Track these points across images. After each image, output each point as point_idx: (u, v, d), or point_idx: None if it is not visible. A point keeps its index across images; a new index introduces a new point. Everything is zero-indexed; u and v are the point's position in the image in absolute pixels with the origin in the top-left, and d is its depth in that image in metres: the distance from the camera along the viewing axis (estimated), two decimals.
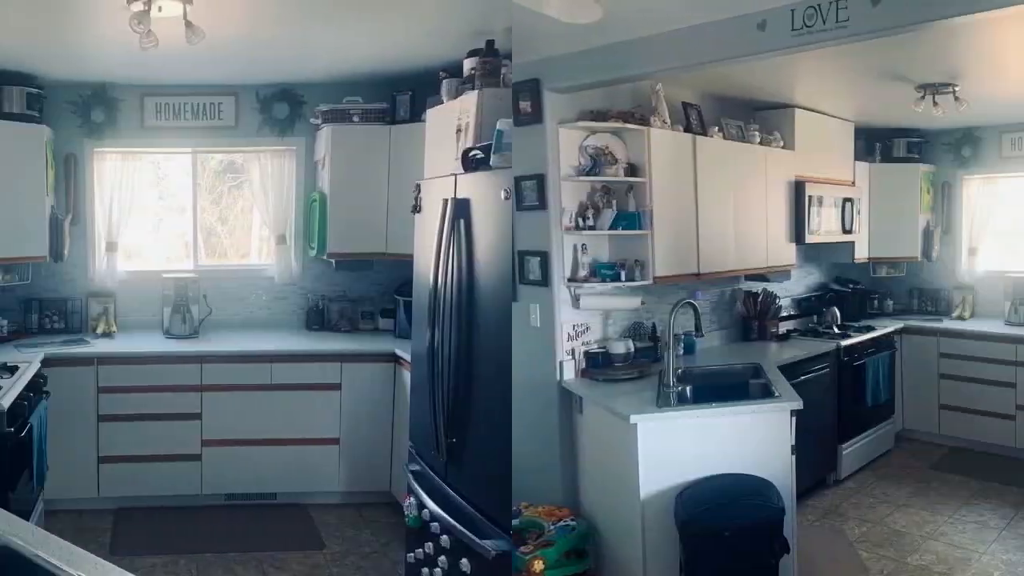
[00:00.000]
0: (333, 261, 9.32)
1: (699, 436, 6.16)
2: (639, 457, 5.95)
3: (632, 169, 7.40)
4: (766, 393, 6.93)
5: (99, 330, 9.12)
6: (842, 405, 9.33)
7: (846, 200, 10.07)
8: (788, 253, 9.36)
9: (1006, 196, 11.32)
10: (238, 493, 8.62)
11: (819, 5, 5.64)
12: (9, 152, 8.19)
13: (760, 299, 9.57)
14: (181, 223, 10.01)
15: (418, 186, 6.68)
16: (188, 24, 5.66)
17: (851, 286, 11.17)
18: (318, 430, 8.61)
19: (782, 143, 9.23)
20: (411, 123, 8.74)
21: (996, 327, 10.36)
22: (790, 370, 8.03)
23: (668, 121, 7.74)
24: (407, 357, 7.74)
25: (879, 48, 6.61)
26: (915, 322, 11.00)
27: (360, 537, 8.02)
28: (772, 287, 9.63)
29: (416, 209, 6.63)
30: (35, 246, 8.50)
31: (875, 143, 11.35)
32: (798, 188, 9.31)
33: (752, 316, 9.54)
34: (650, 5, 6.03)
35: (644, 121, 7.47)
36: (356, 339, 9.26)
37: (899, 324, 10.86)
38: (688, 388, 7.14)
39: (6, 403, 6.18)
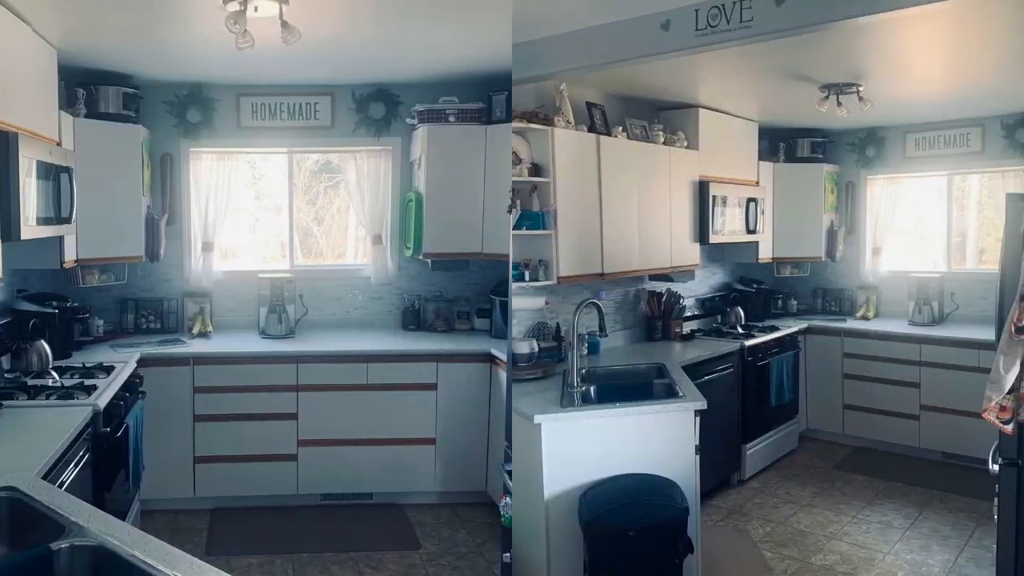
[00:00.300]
0: (429, 261, 9.26)
1: (603, 436, 6.12)
2: (543, 457, 5.91)
3: (536, 169, 7.35)
4: (670, 393, 6.93)
5: (195, 330, 9.15)
6: (746, 405, 9.35)
7: (750, 200, 10.09)
8: (692, 253, 9.36)
9: (910, 196, 11.40)
10: (334, 493, 8.61)
11: (723, 5, 5.63)
12: (106, 152, 8.11)
13: (664, 299, 9.55)
14: (277, 223, 10.02)
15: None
16: (284, 24, 5.68)
17: (755, 286, 11.20)
18: (414, 430, 8.57)
19: (686, 143, 9.23)
20: (507, 123, 8.52)
21: (900, 327, 10.42)
22: (694, 370, 8.03)
23: (572, 121, 7.71)
24: (503, 357, 7.91)
25: (783, 48, 6.62)
26: (819, 322, 11.05)
27: (456, 537, 7.97)
28: (676, 287, 9.62)
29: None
30: (131, 246, 8.48)
31: (779, 143, 11.38)
32: (702, 188, 9.32)
33: (656, 316, 9.52)
34: (554, 5, 5.99)
35: (548, 121, 7.43)
36: (452, 339, 9.21)
37: (803, 324, 10.90)
38: (592, 388, 7.13)
39: (102, 403, 6.13)
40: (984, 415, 3.96)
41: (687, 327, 9.89)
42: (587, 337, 8.24)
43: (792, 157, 11.44)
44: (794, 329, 10.59)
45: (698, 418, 6.32)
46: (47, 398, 6.17)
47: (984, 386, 3.94)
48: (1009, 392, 3.87)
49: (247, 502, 8.38)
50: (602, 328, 7.32)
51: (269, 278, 9.28)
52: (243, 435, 8.31)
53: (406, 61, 8.23)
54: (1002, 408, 3.93)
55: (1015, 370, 3.83)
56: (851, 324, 10.86)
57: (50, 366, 7.05)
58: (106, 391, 6.42)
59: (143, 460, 7.30)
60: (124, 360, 7.64)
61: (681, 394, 6.69)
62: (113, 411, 6.41)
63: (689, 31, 5.88)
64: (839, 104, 8.43)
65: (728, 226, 9.67)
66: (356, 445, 8.43)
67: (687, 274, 9.47)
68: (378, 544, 7.72)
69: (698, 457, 6.32)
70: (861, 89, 8.31)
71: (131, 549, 3.37)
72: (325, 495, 8.56)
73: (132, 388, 7.25)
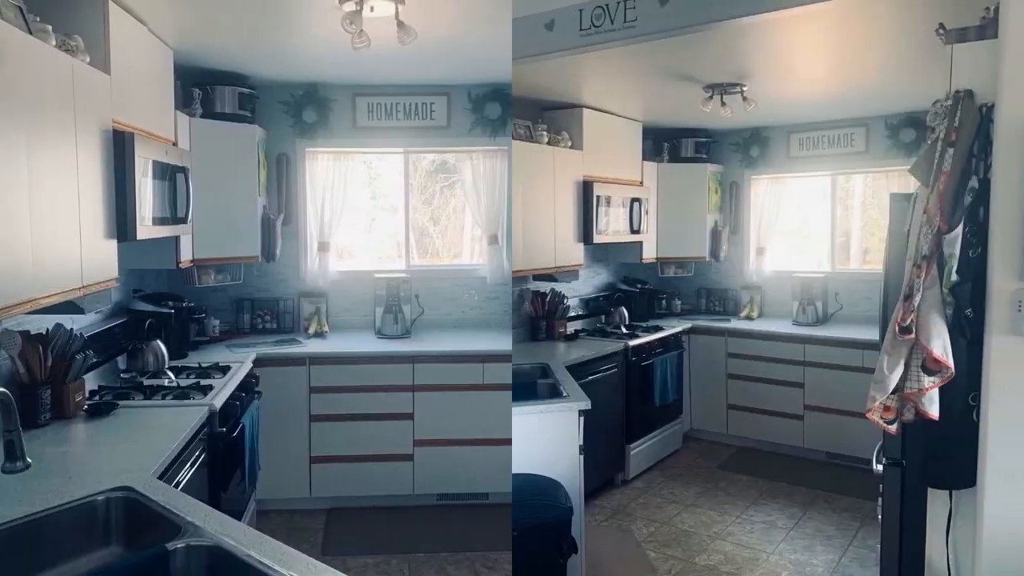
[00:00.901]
0: None
1: None
2: None
3: None
4: (554, 393, 6.87)
5: (311, 330, 9.16)
6: (630, 405, 9.33)
7: (634, 200, 10.07)
8: (576, 253, 9.32)
9: (794, 196, 11.46)
10: (450, 493, 8.55)
11: (607, 5, 5.61)
12: (222, 152, 8.15)
13: (548, 299, 9.52)
14: (393, 223, 9.97)
15: None
16: (400, 24, 5.67)
17: (639, 286, 11.20)
18: None
19: (570, 143, 9.21)
20: None
21: (784, 327, 10.46)
22: (578, 370, 7.99)
23: None
24: None
25: (667, 48, 6.60)
26: (703, 322, 11.06)
27: None
28: (560, 287, 9.60)
29: None
30: (248, 246, 8.48)
31: (663, 143, 11.40)
32: (586, 188, 9.28)
33: (540, 316, 9.49)
34: None
35: None
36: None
37: (687, 324, 10.90)
38: None
39: (218, 403, 6.15)
40: (868, 415, 3.95)
41: (571, 327, 9.87)
42: None
43: (676, 157, 11.46)
44: (678, 329, 10.58)
45: (582, 418, 6.28)
46: (163, 398, 6.21)
47: (868, 386, 3.93)
48: (893, 392, 3.87)
49: (363, 502, 8.38)
50: None
51: (385, 278, 9.28)
52: (359, 435, 8.31)
53: None
54: (886, 408, 3.92)
55: (899, 370, 3.83)
56: (735, 324, 10.89)
57: (166, 366, 7.12)
58: (222, 391, 6.45)
59: (259, 460, 7.34)
60: (240, 360, 7.70)
61: (565, 394, 6.64)
62: (229, 411, 6.45)
63: (573, 31, 5.86)
64: (723, 104, 8.45)
65: (612, 226, 9.66)
66: (472, 445, 8.37)
67: (571, 274, 9.44)
68: (494, 544, 7.64)
69: (582, 457, 6.28)
70: (745, 89, 8.33)
71: (247, 549, 3.44)
72: (441, 495, 8.54)
73: (248, 388, 7.31)
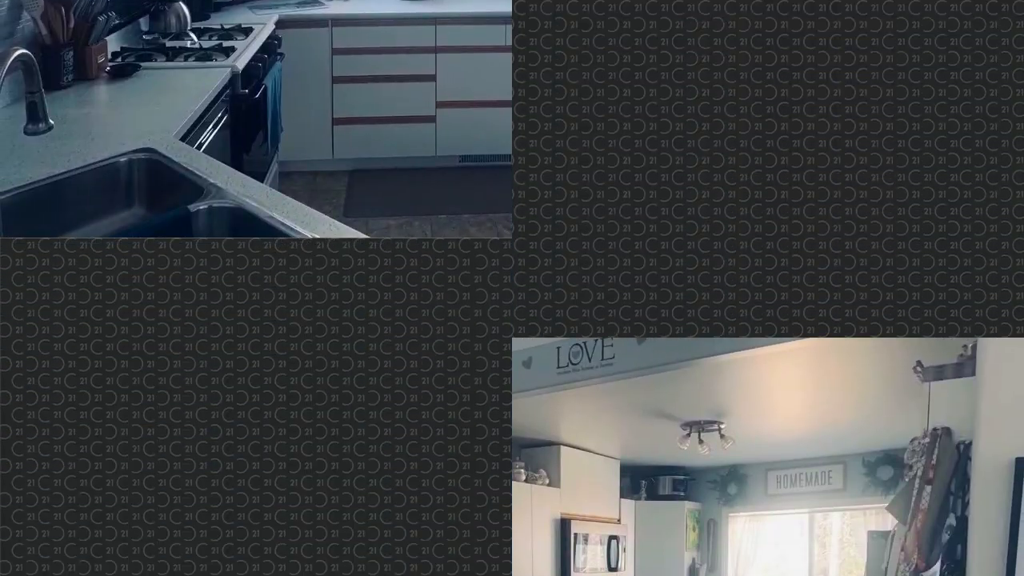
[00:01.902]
0: None
1: None
2: None
3: None
4: None
5: None
6: None
7: (612, 538, 10.00)
8: None
9: (771, 533, 11.40)
10: (472, 155, 8.53)
11: (585, 342, 5.68)
12: None
13: None
14: None
15: None
16: None
17: None
18: None
19: (547, 480, 9.18)
20: None
21: None
22: None
23: None
24: None
25: (645, 385, 6.64)
26: None
27: None
28: None
29: None
30: None
31: (641, 480, 11.37)
32: (564, 526, 9.23)
33: None
34: None
35: None
36: None
37: None
38: None
39: (240, 65, 6.20)
40: None
41: None
42: None
43: (654, 494, 11.41)
44: None
45: None
46: (185, 60, 6.27)
47: None
48: None
49: (385, 164, 8.45)
50: None
51: None
52: (381, 97, 8.39)
53: None
54: None
55: None
56: None
57: (188, 28, 7.10)
58: (244, 53, 6.53)
59: (281, 122, 7.29)
60: (262, 22, 7.69)
61: None
62: (252, 73, 6.49)
63: (551, 368, 5.91)
64: (700, 442, 8.47)
65: (590, 563, 9.56)
66: (495, 107, 8.15)
67: None
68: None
69: None
70: (723, 426, 8.36)
71: (269, 211, 3.51)
72: (463, 157, 8.52)
73: (271, 50, 7.31)
